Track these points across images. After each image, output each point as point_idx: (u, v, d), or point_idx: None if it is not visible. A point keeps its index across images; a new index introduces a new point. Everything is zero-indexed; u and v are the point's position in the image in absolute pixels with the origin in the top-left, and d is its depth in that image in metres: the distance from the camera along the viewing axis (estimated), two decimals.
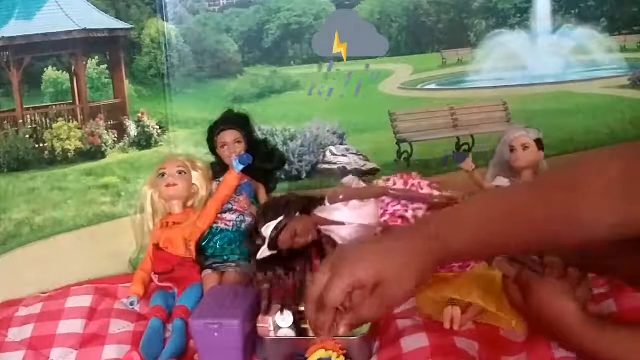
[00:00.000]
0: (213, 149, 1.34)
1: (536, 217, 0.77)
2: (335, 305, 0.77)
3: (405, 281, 0.77)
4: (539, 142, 1.20)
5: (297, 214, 1.02)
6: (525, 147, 1.19)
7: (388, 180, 1.14)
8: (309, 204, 1.05)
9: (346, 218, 1.02)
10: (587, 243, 0.86)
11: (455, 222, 0.79)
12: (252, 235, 1.04)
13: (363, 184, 1.09)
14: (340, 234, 1.03)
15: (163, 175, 1.27)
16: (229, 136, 1.31)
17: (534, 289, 0.86)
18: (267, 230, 0.99)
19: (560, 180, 0.79)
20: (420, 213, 1.09)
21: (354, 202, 1.03)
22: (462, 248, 0.78)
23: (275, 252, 1.00)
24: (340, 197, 1.03)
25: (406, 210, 1.09)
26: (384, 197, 1.09)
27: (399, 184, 1.12)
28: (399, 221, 1.09)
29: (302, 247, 1.03)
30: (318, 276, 0.79)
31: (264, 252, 0.99)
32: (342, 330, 0.78)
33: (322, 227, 1.03)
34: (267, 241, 0.99)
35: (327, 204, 1.03)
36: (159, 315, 1.15)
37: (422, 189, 1.11)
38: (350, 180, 1.10)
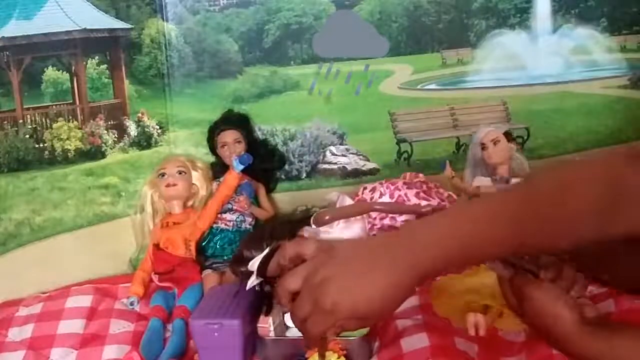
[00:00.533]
0: (213, 149, 1.35)
1: (517, 229, 0.76)
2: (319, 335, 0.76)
3: (390, 303, 0.76)
4: (508, 135, 1.21)
5: (284, 240, 1.00)
6: (495, 142, 1.20)
7: (373, 190, 1.14)
8: (294, 227, 1.04)
9: (333, 239, 1.02)
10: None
11: (433, 234, 0.78)
12: (237, 262, 1.03)
13: (348, 200, 1.08)
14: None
15: (163, 175, 1.27)
16: (229, 136, 1.31)
17: (527, 295, 0.84)
18: (254, 265, 0.99)
19: (545, 193, 0.78)
20: None
21: (341, 224, 1.02)
22: (442, 261, 0.77)
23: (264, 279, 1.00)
24: (327, 218, 1.02)
25: (395, 222, 1.09)
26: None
27: (386, 196, 1.11)
28: None
29: None
30: (300, 303, 0.78)
31: (253, 282, 0.99)
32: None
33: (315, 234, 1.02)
34: (254, 273, 0.99)
35: (313, 226, 1.03)
36: (159, 315, 1.15)
37: (408, 199, 1.11)
38: (334, 196, 1.09)
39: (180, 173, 1.27)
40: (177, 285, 1.23)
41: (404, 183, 1.14)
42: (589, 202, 0.75)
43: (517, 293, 0.86)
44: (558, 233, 0.77)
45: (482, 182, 1.22)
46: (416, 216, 1.09)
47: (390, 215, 1.09)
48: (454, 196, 1.16)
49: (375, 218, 1.09)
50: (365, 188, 1.16)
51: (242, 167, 1.25)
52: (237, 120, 1.34)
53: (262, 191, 1.36)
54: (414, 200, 1.10)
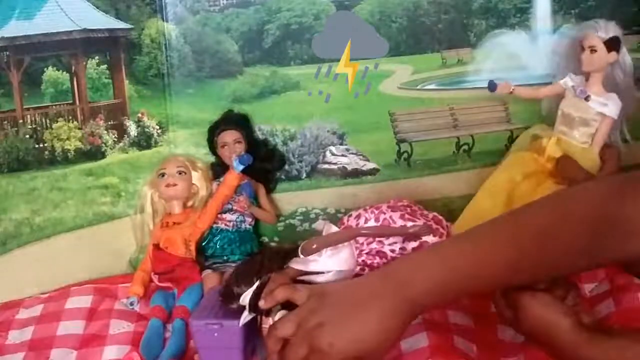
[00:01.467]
0: (213, 149, 1.35)
1: (506, 263, 0.77)
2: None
3: (385, 341, 0.77)
4: (611, 43, 1.09)
5: (273, 272, 1.01)
6: (592, 50, 1.09)
7: (359, 217, 1.15)
8: (283, 259, 1.04)
9: (322, 267, 1.02)
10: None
11: (421, 275, 0.78)
12: (228, 299, 1.03)
13: (334, 227, 1.09)
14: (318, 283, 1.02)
15: (163, 175, 1.27)
16: (229, 136, 1.31)
17: (522, 304, 0.84)
18: (245, 299, 0.99)
19: (536, 231, 0.78)
20: (397, 247, 1.10)
21: (328, 252, 1.03)
22: (430, 300, 0.78)
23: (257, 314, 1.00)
24: (314, 246, 1.03)
25: (382, 246, 1.10)
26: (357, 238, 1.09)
27: (371, 221, 1.12)
28: (377, 258, 1.10)
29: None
30: (295, 348, 0.78)
31: (246, 318, 0.99)
32: None
33: (299, 278, 1.02)
34: (247, 308, 0.99)
35: (302, 256, 1.03)
36: (159, 315, 1.15)
37: (394, 222, 1.11)
38: (320, 225, 1.10)
39: (180, 173, 1.27)
40: (177, 285, 1.23)
41: (388, 207, 1.14)
42: (582, 236, 0.75)
43: (512, 304, 0.86)
44: (551, 266, 0.77)
45: (573, 81, 1.16)
46: (404, 238, 1.10)
47: (378, 239, 1.10)
48: (439, 217, 1.16)
49: (362, 243, 1.10)
50: (350, 215, 1.17)
51: (242, 167, 1.25)
52: (237, 121, 1.34)
53: (262, 191, 1.36)
54: (399, 223, 1.10)
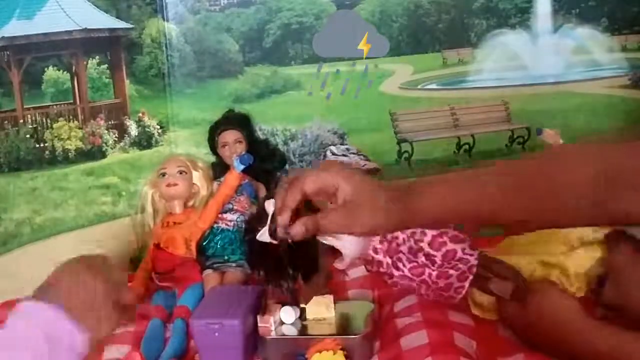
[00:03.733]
0: (214, 148, 1.34)
1: (510, 196, 0.77)
2: (304, 190, 0.79)
3: (375, 210, 0.78)
4: None
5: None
6: None
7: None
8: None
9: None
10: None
11: (427, 189, 0.80)
12: (254, 221, 1.04)
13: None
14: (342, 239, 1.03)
15: (164, 175, 1.27)
16: (230, 136, 1.31)
17: (536, 289, 0.86)
18: (269, 205, 0.99)
19: (542, 166, 0.79)
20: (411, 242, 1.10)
21: None
22: (431, 211, 0.79)
23: (274, 241, 1.00)
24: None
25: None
26: None
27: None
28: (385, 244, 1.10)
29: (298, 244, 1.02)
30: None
31: (263, 235, 0.98)
32: (297, 228, 0.79)
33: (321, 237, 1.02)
34: (268, 220, 0.99)
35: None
36: (160, 315, 1.15)
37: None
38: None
39: (181, 173, 1.27)
40: (177, 285, 1.22)
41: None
42: (586, 178, 0.76)
43: (520, 294, 0.87)
44: (555, 207, 0.77)
45: None
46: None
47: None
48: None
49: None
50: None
51: (242, 167, 1.25)
52: (238, 121, 1.34)
53: (262, 191, 1.36)
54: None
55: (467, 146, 1.44)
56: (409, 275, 1.08)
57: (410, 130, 1.43)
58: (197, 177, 1.30)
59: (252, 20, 1.39)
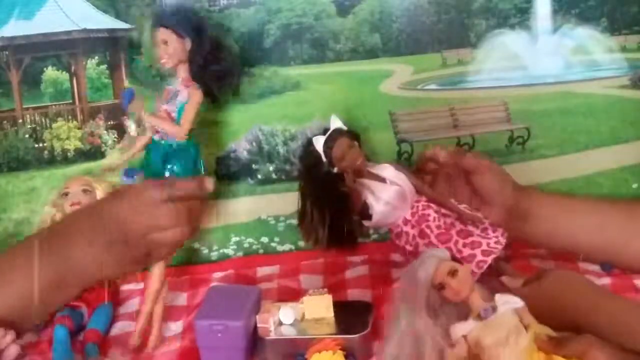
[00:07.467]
0: None
1: None
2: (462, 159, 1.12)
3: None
4: None
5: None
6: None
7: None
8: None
9: (390, 176, 1.11)
10: None
11: None
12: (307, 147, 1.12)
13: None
14: (377, 190, 1.09)
15: (67, 194, 1.24)
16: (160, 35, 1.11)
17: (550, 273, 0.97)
18: (318, 142, 1.07)
19: None
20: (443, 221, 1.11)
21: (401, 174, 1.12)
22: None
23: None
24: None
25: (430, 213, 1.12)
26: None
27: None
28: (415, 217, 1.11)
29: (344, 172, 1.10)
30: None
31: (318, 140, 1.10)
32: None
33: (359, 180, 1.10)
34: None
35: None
36: (65, 323, 1.10)
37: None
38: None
39: (84, 192, 1.24)
40: (84, 303, 1.18)
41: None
42: None
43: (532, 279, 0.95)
44: None
45: None
46: (456, 217, 1.10)
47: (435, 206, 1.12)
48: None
49: (418, 201, 1.12)
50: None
51: (131, 180, 1.11)
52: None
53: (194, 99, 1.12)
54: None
55: (466, 146, 1.44)
56: (435, 241, 1.09)
57: (410, 130, 1.43)
58: (100, 194, 1.27)
59: (251, 20, 1.39)
